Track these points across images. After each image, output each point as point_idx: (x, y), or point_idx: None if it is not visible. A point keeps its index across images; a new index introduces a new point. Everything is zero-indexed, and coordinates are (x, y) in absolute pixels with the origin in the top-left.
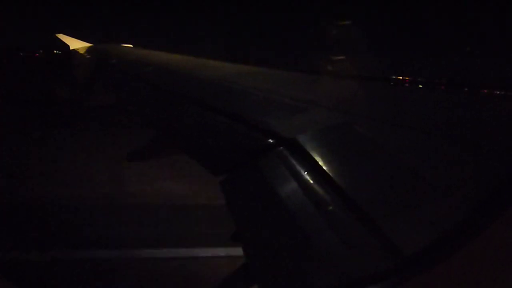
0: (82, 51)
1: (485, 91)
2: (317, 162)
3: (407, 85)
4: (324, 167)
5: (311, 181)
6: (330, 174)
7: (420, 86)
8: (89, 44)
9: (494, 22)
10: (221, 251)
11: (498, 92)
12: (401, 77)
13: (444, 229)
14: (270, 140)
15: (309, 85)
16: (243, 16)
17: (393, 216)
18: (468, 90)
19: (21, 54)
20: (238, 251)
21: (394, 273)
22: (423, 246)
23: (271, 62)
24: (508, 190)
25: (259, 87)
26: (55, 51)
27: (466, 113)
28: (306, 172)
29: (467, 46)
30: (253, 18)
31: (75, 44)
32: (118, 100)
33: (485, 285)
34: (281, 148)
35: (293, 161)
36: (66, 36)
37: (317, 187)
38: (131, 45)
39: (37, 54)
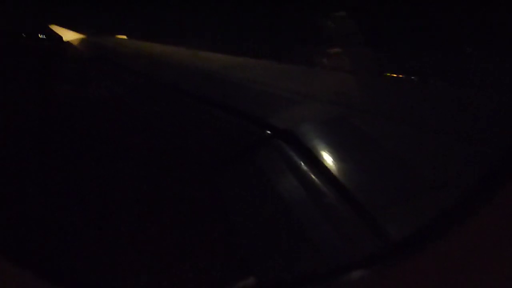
0: (76, 43)
1: (482, 88)
2: (313, 155)
3: (403, 80)
4: (320, 160)
5: (307, 174)
6: (326, 166)
7: (417, 81)
8: (83, 36)
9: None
10: None
11: (495, 90)
12: (397, 72)
13: (433, 216)
14: (268, 132)
15: (305, 78)
16: (239, 7)
17: (386, 207)
18: (464, 87)
19: None
20: None
21: (382, 258)
22: (411, 232)
23: (267, 55)
24: (497, 177)
25: (254, 79)
26: (40, 35)
27: (461, 109)
28: (302, 165)
29: (467, 43)
30: (249, 10)
31: (69, 35)
32: (113, 94)
33: (472, 269)
34: (277, 140)
35: (290, 153)
36: (60, 27)
37: (313, 180)
38: (125, 37)
39: None
